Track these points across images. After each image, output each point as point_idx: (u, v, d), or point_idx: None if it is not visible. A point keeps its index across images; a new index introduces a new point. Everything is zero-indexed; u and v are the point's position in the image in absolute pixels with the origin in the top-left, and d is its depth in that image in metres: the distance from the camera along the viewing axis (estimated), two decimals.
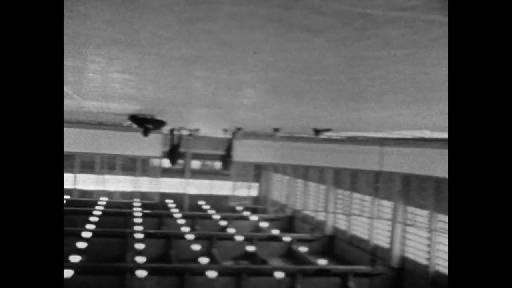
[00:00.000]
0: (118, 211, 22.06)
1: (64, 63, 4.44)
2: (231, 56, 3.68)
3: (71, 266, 13.37)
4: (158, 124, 10.08)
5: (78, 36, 3.23)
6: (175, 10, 2.45)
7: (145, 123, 8.79)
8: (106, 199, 25.04)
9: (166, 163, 16.93)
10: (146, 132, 9.15)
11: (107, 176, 27.05)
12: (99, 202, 23.68)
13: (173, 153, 14.79)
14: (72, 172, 26.53)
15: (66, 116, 15.36)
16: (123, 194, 27.32)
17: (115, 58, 4.06)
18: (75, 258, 14.34)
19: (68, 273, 12.87)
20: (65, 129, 18.56)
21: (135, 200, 25.78)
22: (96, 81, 5.74)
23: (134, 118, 9.68)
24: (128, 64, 4.37)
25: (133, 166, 27.45)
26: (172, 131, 15.10)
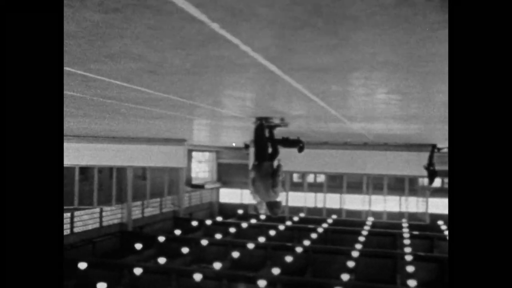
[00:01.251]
0: (386, 231, 21.95)
1: (332, 88, 4.63)
2: None
3: (341, 284, 13.76)
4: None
5: (349, 63, 3.34)
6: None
7: (298, 143, 8.85)
8: (372, 219, 25.22)
9: (436, 183, 16.23)
10: (301, 149, 9.30)
11: (374, 196, 27.25)
12: (366, 222, 23.98)
13: (431, 171, 14.16)
14: (340, 192, 27.52)
15: (331, 138, 16.05)
16: (390, 214, 27.14)
17: (383, 79, 4.08)
18: (345, 277, 14.70)
19: None
20: (331, 150, 19.38)
21: (403, 220, 25.37)
22: (363, 104, 5.86)
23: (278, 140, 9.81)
24: (395, 84, 4.35)
25: (400, 186, 27.13)
26: (433, 149, 14.47)
